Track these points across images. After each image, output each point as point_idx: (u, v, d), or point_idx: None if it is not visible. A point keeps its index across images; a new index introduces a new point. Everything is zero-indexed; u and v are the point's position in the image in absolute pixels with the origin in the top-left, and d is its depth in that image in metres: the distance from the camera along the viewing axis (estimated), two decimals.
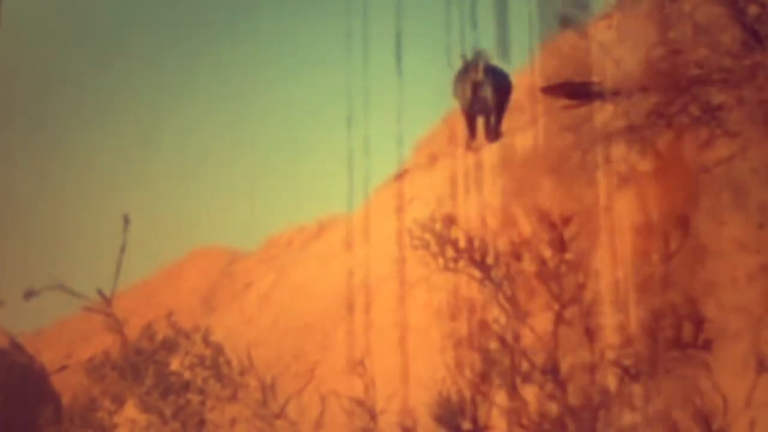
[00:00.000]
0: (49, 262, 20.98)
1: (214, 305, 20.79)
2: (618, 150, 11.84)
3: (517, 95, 15.15)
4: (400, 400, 12.87)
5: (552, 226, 11.37)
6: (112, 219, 19.51)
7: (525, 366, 11.28)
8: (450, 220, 12.36)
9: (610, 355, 10.79)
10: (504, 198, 13.08)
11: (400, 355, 13.50)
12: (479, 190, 13.58)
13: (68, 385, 20.83)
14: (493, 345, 11.53)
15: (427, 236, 12.33)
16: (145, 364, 17.21)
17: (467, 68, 15.20)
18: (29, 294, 20.53)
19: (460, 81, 15.34)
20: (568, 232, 11.29)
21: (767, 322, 10.36)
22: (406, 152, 16.70)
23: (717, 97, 10.95)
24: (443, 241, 12.19)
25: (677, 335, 10.38)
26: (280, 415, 14.60)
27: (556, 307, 11.24)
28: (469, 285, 12.21)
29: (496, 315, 11.69)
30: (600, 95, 12.06)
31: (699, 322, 10.29)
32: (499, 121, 15.26)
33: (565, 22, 12.90)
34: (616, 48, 11.82)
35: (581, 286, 11.24)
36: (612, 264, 11.44)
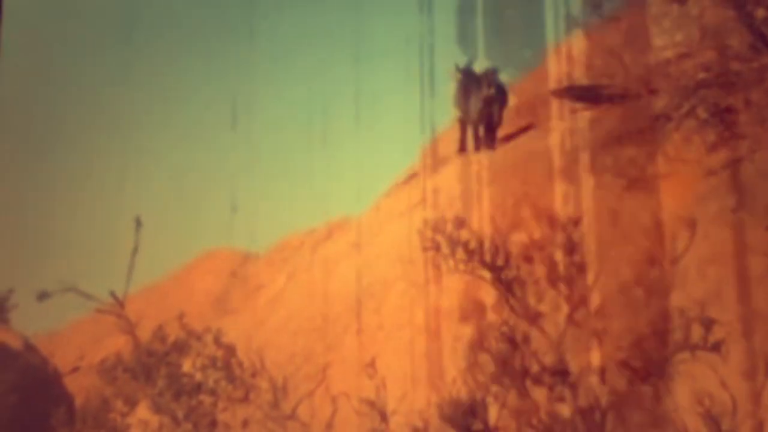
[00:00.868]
0: (62, 265, 21.02)
1: (225, 307, 20.79)
2: (627, 152, 11.88)
3: (527, 98, 15.19)
4: (411, 401, 12.91)
5: (561, 228, 11.45)
6: (125, 221, 19.56)
7: (535, 367, 11.36)
8: (460, 222, 12.41)
9: (620, 356, 10.84)
10: (514, 200, 13.11)
11: (410, 356, 13.55)
12: (489, 193, 13.61)
13: (81, 387, 20.84)
14: (503, 346, 11.59)
15: (438, 238, 12.39)
16: (157, 365, 17.25)
17: (476, 81, 15.38)
18: (42, 296, 20.61)
19: (466, 93, 15.47)
20: (577, 235, 11.37)
21: None
22: (415, 155, 16.69)
23: (725, 99, 10.95)
24: (454, 242, 12.23)
25: (686, 337, 10.43)
26: (291, 416, 14.69)
27: (565, 308, 11.34)
28: (479, 287, 12.25)
29: (506, 317, 11.75)
30: (609, 98, 12.10)
31: (708, 324, 10.33)
32: (495, 131, 15.41)
33: (574, 24, 12.98)
34: (624, 51, 11.84)
35: (591, 288, 11.31)
36: (621, 266, 11.47)
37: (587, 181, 12.23)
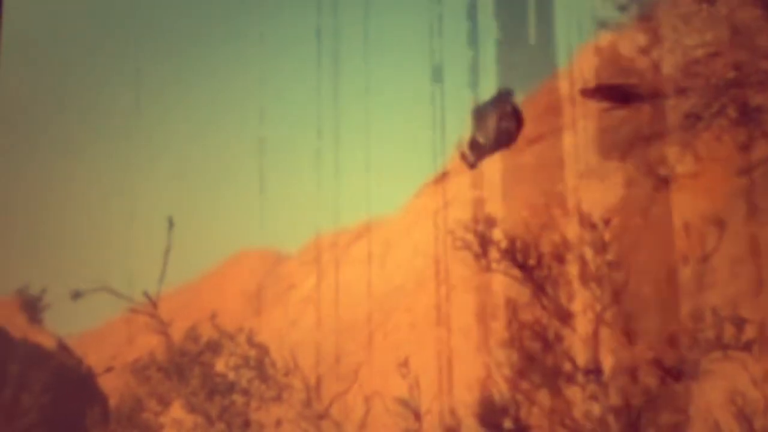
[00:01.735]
0: (95, 265, 21.19)
1: (258, 307, 20.83)
2: (657, 151, 11.92)
3: (557, 98, 15.22)
4: (444, 400, 12.98)
5: (593, 227, 11.49)
6: (157, 222, 19.68)
7: (567, 366, 11.41)
8: (492, 222, 12.47)
9: (652, 355, 10.89)
10: (545, 200, 13.14)
11: (442, 355, 13.60)
12: (521, 193, 13.65)
13: (114, 387, 20.95)
14: (535, 346, 11.65)
15: (469, 237, 12.46)
16: (191, 365, 17.36)
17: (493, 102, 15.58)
18: (76, 295, 20.76)
19: (484, 115, 15.64)
20: (608, 234, 11.41)
21: None
22: (447, 154, 16.74)
23: (755, 98, 11.00)
24: (485, 242, 12.31)
25: (718, 336, 10.47)
26: (324, 415, 14.77)
27: (597, 308, 11.36)
28: (511, 286, 12.30)
29: (537, 316, 11.80)
30: (638, 97, 12.12)
31: (739, 323, 10.37)
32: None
33: (604, 24, 13.01)
34: (654, 50, 11.88)
35: (622, 287, 11.34)
36: (652, 265, 11.50)
37: (618, 181, 12.27)
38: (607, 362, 11.28)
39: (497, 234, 12.33)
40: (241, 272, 23.53)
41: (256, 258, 23.90)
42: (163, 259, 19.84)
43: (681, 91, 11.45)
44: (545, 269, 11.86)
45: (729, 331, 10.40)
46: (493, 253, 12.26)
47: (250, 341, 16.66)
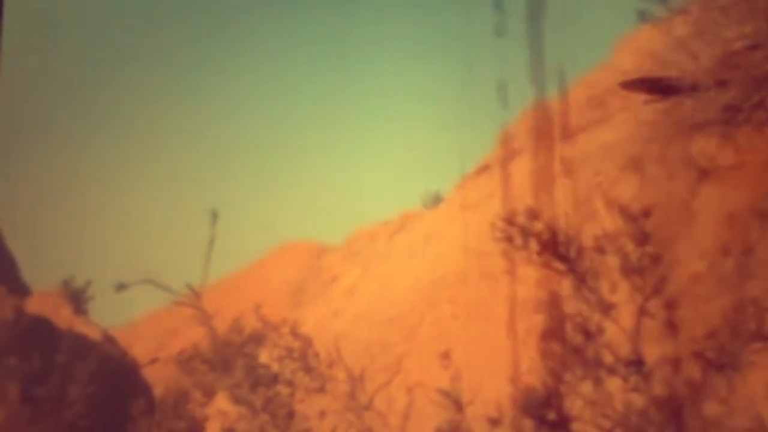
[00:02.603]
0: (139, 257, 21.50)
1: (301, 299, 21.00)
2: (697, 144, 11.94)
3: (597, 91, 15.26)
4: (486, 391, 13.09)
5: (633, 219, 11.57)
6: (201, 214, 19.90)
7: (609, 358, 11.50)
8: (533, 214, 12.54)
9: (694, 347, 10.96)
10: (586, 192, 13.19)
11: (485, 346, 13.68)
12: (561, 185, 13.68)
13: (159, 378, 21.25)
14: (577, 337, 11.75)
15: (511, 229, 12.53)
16: (235, 356, 17.59)
17: None
18: (120, 287, 21.05)
19: None
20: (649, 226, 11.49)
21: None
22: (488, 147, 16.84)
23: None
24: (527, 234, 12.39)
25: (759, 327, 10.53)
26: (368, 406, 14.93)
27: (639, 299, 11.45)
28: (552, 278, 12.38)
29: (579, 307, 11.89)
30: (678, 90, 12.13)
31: None
32: None
33: (643, 17, 13.04)
34: (693, 43, 11.90)
35: (664, 279, 11.42)
36: (694, 256, 11.54)
37: (658, 173, 12.31)
38: (649, 354, 11.33)
39: (538, 226, 12.38)
40: (284, 264, 23.71)
41: (299, 250, 24.05)
42: (207, 252, 20.09)
43: (720, 84, 11.48)
44: (586, 261, 11.94)
45: None
46: (534, 245, 12.32)
47: (294, 333, 16.82)
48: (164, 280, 20.15)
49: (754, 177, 11.42)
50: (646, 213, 11.53)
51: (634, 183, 12.52)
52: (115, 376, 20.87)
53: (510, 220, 12.56)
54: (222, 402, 17.43)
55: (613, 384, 11.44)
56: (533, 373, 12.16)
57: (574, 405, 11.71)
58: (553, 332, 12.19)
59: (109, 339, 22.54)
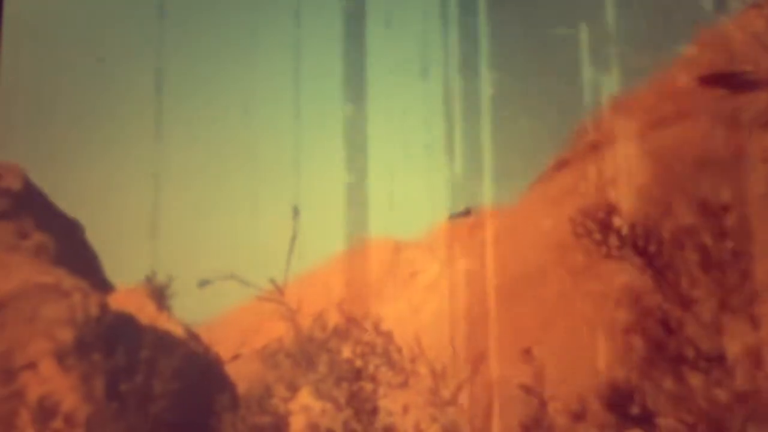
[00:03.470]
0: (222, 253, 21.74)
1: (382, 294, 21.09)
2: None
3: (674, 86, 15.22)
4: (569, 386, 13.23)
5: (712, 214, 11.62)
6: (283, 210, 20.06)
7: (690, 353, 11.56)
8: (612, 209, 12.62)
9: None
10: (664, 187, 13.20)
11: (566, 341, 13.78)
12: (640, 180, 13.69)
13: (243, 373, 21.42)
14: (658, 332, 11.81)
15: (590, 224, 12.64)
16: (318, 352, 17.69)
17: None
18: (203, 283, 21.26)
19: None
20: (728, 220, 11.53)
21: None
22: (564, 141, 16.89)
23: None
24: (606, 228, 12.48)
25: None
26: (451, 401, 15.05)
27: (719, 294, 11.49)
28: (632, 273, 12.43)
29: (660, 302, 11.95)
30: (754, 84, 12.13)
31: None
32: None
33: (719, 11, 13.05)
34: None
35: (744, 273, 11.45)
36: None
37: (737, 168, 12.33)
38: (731, 348, 11.38)
39: (617, 221, 12.47)
40: (365, 259, 23.78)
41: (379, 245, 24.10)
42: (289, 247, 20.24)
43: None
44: (666, 256, 12.00)
45: None
46: (614, 240, 12.40)
47: (376, 328, 16.92)
48: (247, 276, 20.35)
49: None
50: (726, 208, 11.57)
51: (712, 178, 12.53)
52: (198, 371, 21.03)
53: (589, 215, 12.64)
54: (306, 397, 17.54)
55: (696, 379, 11.47)
56: (615, 368, 12.21)
57: (656, 400, 11.74)
58: (635, 327, 12.23)
59: (193, 335, 22.70)
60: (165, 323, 22.47)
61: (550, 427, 13.17)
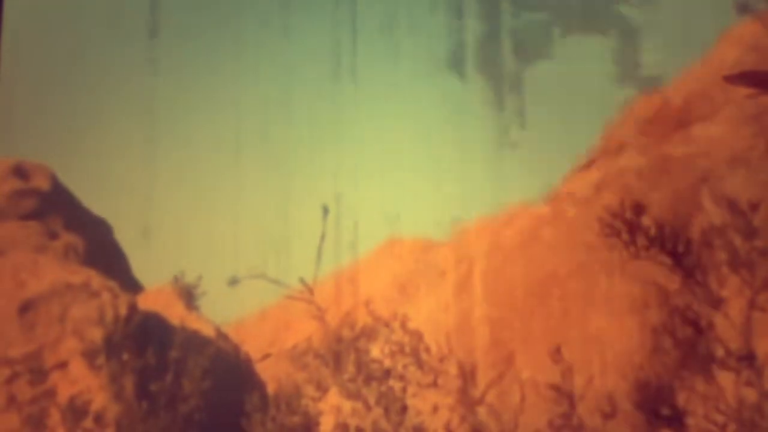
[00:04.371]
0: (251, 252, 21.90)
1: (410, 293, 21.14)
2: None
3: (701, 85, 15.23)
4: (598, 386, 13.28)
5: (741, 213, 11.67)
6: (312, 209, 20.24)
7: (720, 352, 11.62)
8: (640, 208, 12.67)
9: None
10: (692, 186, 13.22)
11: (596, 341, 13.80)
12: (668, 179, 13.71)
13: (272, 373, 21.54)
14: (688, 332, 11.86)
15: (618, 224, 12.70)
16: (347, 351, 17.78)
17: None
18: (233, 282, 21.38)
19: None
20: (757, 220, 11.57)
21: None
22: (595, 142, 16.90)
23: None
24: (634, 228, 12.53)
25: None
26: (481, 401, 15.13)
27: (748, 293, 11.54)
28: (661, 272, 12.47)
29: (688, 302, 12.00)
30: None
31: None
32: None
33: (745, 10, 13.07)
34: None
35: None
36: None
37: (765, 167, 12.34)
38: (762, 347, 11.42)
39: (646, 220, 12.53)
40: (394, 258, 23.84)
41: (408, 245, 24.17)
42: (319, 247, 20.37)
43: None
44: (694, 255, 12.05)
45: None
46: (642, 240, 12.47)
47: (404, 327, 16.98)
48: (276, 275, 20.48)
49: None
50: (754, 207, 11.62)
51: (740, 177, 12.55)
52: (228, 371, 21.13)
53: (617, 215, 12.70)
54: (335, 397, 17.63)
55: (726, 378, 11.53)
56: (645, 368, 12.26)
57: (687, 399, 11.79)
58: (664, 327, 12.29)
59: (222, 334, 22.82)
60: (194, 323, 22.58)
61: (579, 427, 13.22)
